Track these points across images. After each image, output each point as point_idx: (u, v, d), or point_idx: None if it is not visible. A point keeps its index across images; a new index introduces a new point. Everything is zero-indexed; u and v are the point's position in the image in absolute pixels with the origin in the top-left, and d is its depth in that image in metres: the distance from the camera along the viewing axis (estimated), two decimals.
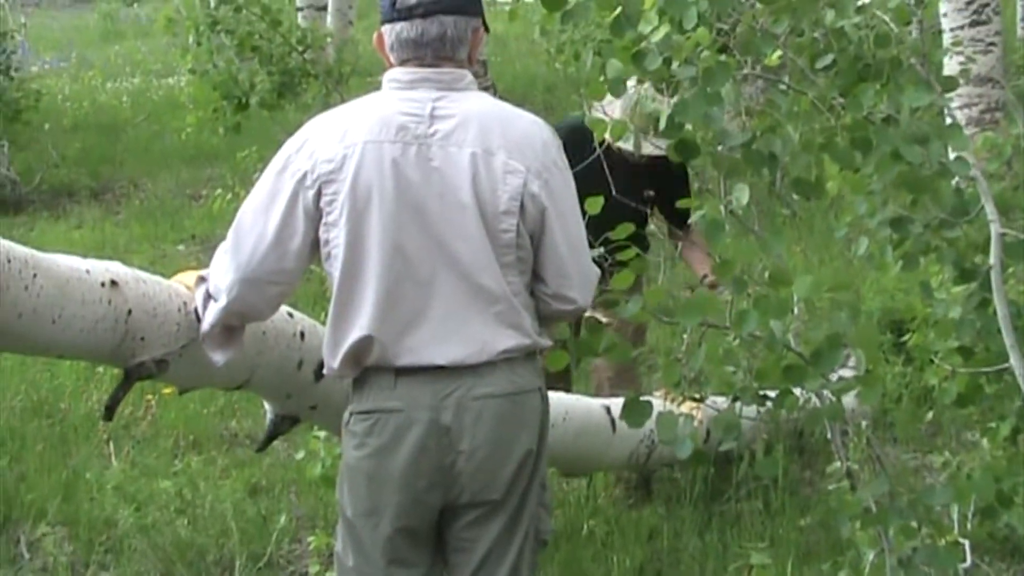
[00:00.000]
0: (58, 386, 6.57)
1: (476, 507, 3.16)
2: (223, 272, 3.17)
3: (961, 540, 3.78)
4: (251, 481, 5.54)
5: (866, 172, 3.48)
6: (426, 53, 3.13)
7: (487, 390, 3.11)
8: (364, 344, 3.10)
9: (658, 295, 3.39)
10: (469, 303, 3.10)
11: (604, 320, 3.90)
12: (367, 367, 3.14)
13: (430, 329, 3.10)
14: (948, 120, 3.67)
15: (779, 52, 3.53)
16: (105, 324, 3.11)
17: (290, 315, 3.61)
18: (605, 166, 4.47)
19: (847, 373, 4.47)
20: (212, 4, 10.20)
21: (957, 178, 3.49)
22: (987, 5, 7.76)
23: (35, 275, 2.94)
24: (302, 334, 3.61)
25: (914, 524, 3.34)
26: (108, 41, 20.51)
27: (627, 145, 4.96)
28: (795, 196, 3.60)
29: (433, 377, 3.10)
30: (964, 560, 3.71)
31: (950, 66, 7.04)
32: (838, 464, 3.83)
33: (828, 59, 3.50)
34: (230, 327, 3.24)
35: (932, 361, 4.35)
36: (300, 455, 5.08)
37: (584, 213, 3.31)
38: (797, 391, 3.34)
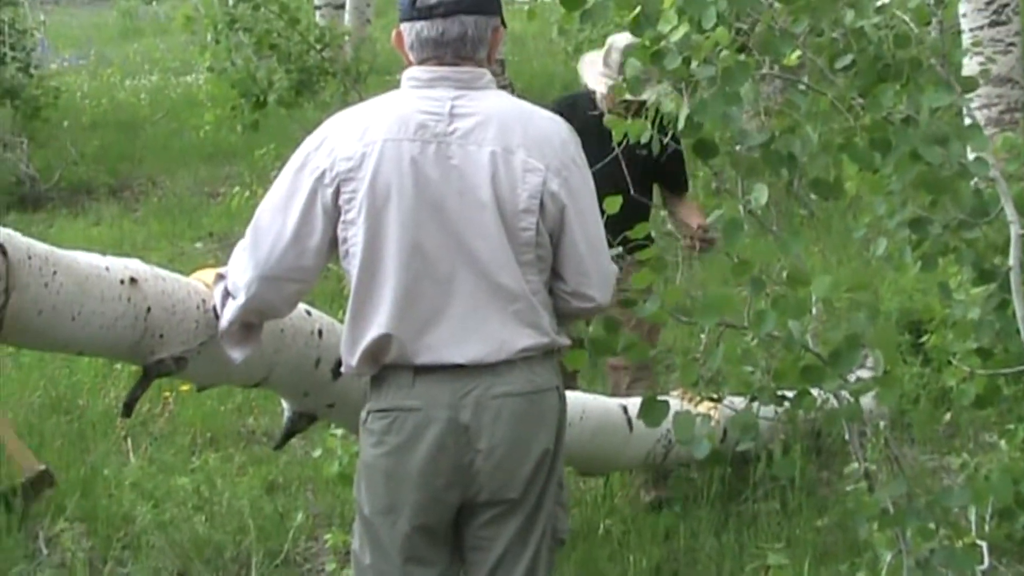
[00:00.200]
0: (76, 383, 6.60)
1: (494, 506, 3.17)
2: (241, 270, 3.17)
3: (979, 542, 3.77)
4: (268, 478, 5.55)
5: (885, 172, 3.48)
6: (446, 52, 3.13)
7: (505, 389, 3.11)
8: (382, 342, 3.10)
9: (676, 294, 3.39)
10: (488, 301, 3.11)
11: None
12: (385, 365, 3.14)
13: (449, 327, 3.10)
14: (968, 120, 3.67)
15: (798, 52, 3.52)
16: (124, 321, 3.12)
17: (308, 313, 3.61)
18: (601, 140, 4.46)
19: (865, 373, 4.46)
20: (231, 2, 10.22)
21: (976, 179, 3.48)
22: (1007, 5, 7.74)
23: (55, 272, 2.96)
24: (320, 332, 3.62)
25: (932, 526, 3.33)
26: (127, 38, 20.56)
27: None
28: (813, 196, 3.60)
29: (452, 376, 3.10)
30: (982, 562, 3.70)
31: (970, 66, 7.02)
32: (856, 465, 3.82)
33: (847, 59, 3.49)
34: (248, 325, 3.25)
35: (950, 362, 4.35)
36: (317, 453, 5.09)
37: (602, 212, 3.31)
38: (815, 391, 3.34)
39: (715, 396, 3.84)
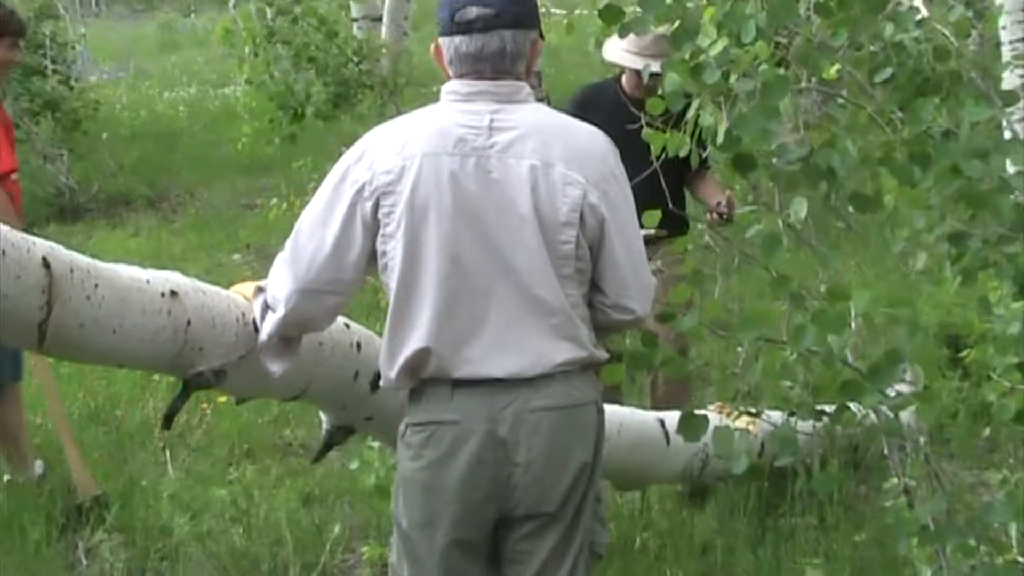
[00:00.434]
0: (115, 394, 6.64)
1: (531, 519, 3.16)
2: (281, 283, 3.19)
3: (1020, 559, 3.74)
4: (305, 490, 5.56)
5: (925, 186, 3.46)
6: (485, 67, 3.13)
7: (544, 403, 3.11)
8: (421, 356, 3.11)
9: (715, 308, 3.38)
10: (526, 315, 3.11)
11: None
12: (424, 379, 3.15)
13: (487, 341, 3.10)
14: (1008, 134, 3.65)
15: (837, 66, 3.51)
16: (165, 334, 3.13)
17: (347, 326, 3.62)
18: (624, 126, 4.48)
19: (903, 387, 4.44)
20: (269, 15, 10.27)
21: (1017, 193, 3.46)
22: None
23: (96, 285, 2.97)
24: (358, 345, 3.62)
25: (972, 542, 3.31)
26: (165, 51, 20.73)
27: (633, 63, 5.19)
28: (851, 210, 3.58)
29: (490, 389, 3.10)
30: None
31: (1010, 80, 6.99)
32: (895, 480, 3.80)
33: (887, 73, 3.48)
34: (287, 338, 3.26)
35: (990, 377, 4.31)
36: (354, 465, 5.10)
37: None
38: (854, 406, 3.32)
39: (753, 411, 3.83)
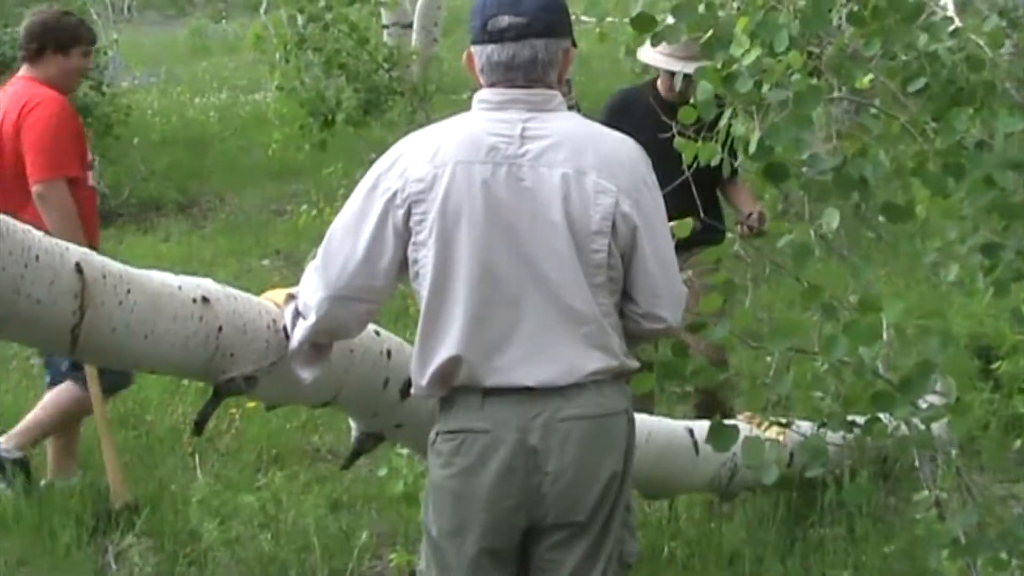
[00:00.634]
0: (144, 398, 6.66)
1: (561, 529, 3.16)
2: (312, 290, 3.19)
3: None
4: (333, 497, 5.57)
5: (958, 197, 3.45)
6: (517, 75, 3.13)
7: (574, 412, 3.10)
8: (452, 364, 3.11)
9: (745, 318, 3.37)
10: (558, 324, 3.10)
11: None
12: (455, 387, 3.15)
13: (519, 350, 3.10)
14: None
15: (870, 75, 3.50)
16: (196, 340, 3.14)
17: (377, 333, 3.63)
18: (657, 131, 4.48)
19: (933, 398, 4.42)
20: (300, 22, 10.30)
21: None
22: None
23: (129, 291, 2.99)
24: (389, 352, 3.63)
25: (1004, 555, 3.29)
26: (197, 57, 20.80)
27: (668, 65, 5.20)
28: (882, 220, 3.57)
29: (521, 398, 3.10)
30: None
31: None
32: (926, 492, 3.78)
33: (920, 83, 3.47)
34: (318, 345, 3.26)
35: (1021, 389, 4.29)
36: (382, 472, 5.10)
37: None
38: (885, 418, 3.31)
39: (783, 421, 3.82)
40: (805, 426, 3.98)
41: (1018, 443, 5.60)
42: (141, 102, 15.08)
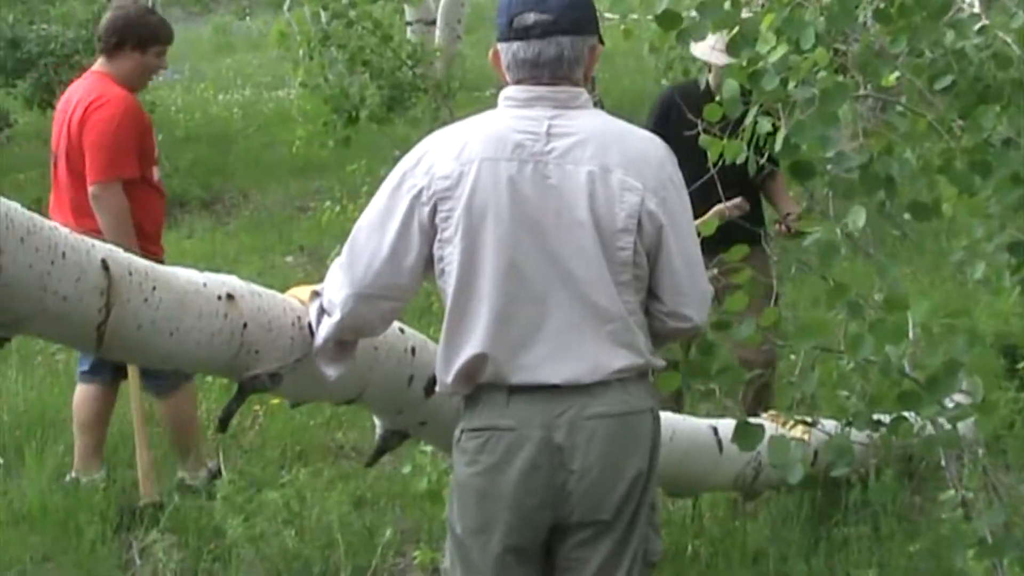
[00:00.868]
0: None
1: (586, 527, 3.15)
2: (337, 287, 3.19)
3: None
4: (357, 494, 5.57)
5: (984, 195, 3.43)
6: (543, 73, 3.12)
7: (600, 410, 3.10)
8: (477, 361, 3.10)
9: (772, 316, 3.36)
10: (583, 321, 3.10)
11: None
12: (480, 385, 3.14)
13: (544, 347, 3.09)
14: None
15: (896, 73, 3.49)
16: (221, 337, 3.15)
17: (401, 331, 3.62)
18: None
19: (959, 397, 4.40)
20: (324, 19, 10.31)
21: None
22: None
23: (154, 288, 2.99)
24: (413, 350, 3.62)
25: None
26: (220, 54, 20.86)
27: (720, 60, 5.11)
28: (908, 218, 3.56)
29: (546, 396, 3.09)
30: None
31: None
32: (952, 492, 3.76)
33: (947, 80, 3.45)
34: (343, 342, 3.27)
35: None
36: (406, 469, 5.11)
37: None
38: (911, 417, 3.29)
39: (808, 420, 3.81)
40: (830, 425, 3.97)
41: None
42: (165, 99, 15.12)
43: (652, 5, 3.48)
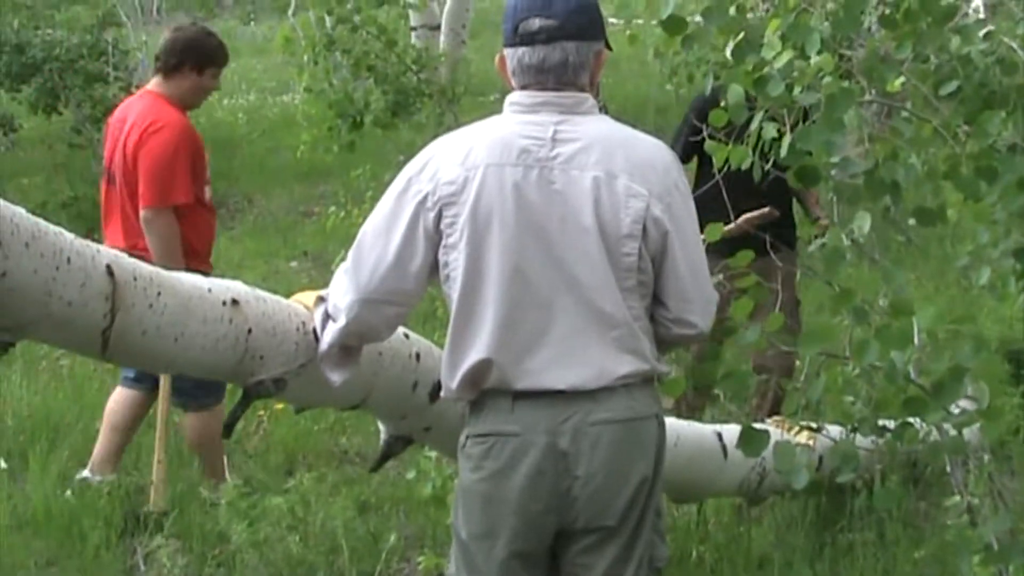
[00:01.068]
0: None
1: (591, 533, 3.15)
2: (342, 292, 3.19)
3: None
4: (361, 499, 5.57)
5: (990, 201, 3.43)
6: (548, 78, 3.12)
7: (605, 416, 3.09)
8: (483, 367, 3.10)
9: (777, 321, 3.36)
10: (588, 327, 3.09)
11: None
12: (485, 390, 3.14)
13: (549, 353, 3.09)
14: None
15: (902, 78, 3.48)
16: (226, 343, 3.14)
17: (406, 336, 3.62)
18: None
19: (965, 403, 4.39)
20: (329, 24, 10.32)
21: None
22: None
23: (159, 293, 2.99)
24: (417, 355, 3.62)
25: None
26: None
27: None
28: (913, 223, 3.55)
29: (551, 401, 3.09)
30: None
31: None
32: (957, 498, 3.76)
33: (953, 86, 3.45)
34: (347, 347, 3.26)
35: None
36: (410, 474, 5.10)
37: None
38: (916, 423, 3.29)
39: (813, 425, 3.80)
40: (835, 430, 3.96)
41: None
42: None
43: (657, 10, 3.48)
